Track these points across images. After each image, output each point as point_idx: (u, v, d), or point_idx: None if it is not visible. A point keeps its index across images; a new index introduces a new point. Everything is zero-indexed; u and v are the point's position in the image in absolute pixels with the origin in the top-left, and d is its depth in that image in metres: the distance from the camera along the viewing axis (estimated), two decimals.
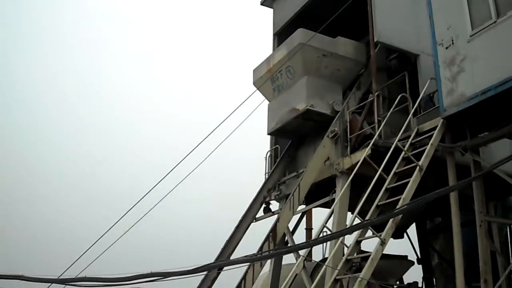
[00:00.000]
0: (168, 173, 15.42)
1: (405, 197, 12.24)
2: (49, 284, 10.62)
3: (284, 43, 17.50)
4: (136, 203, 15.23)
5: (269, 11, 20.76)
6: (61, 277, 10.15)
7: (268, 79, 17.90)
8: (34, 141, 58.34)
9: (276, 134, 18.31)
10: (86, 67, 70.98)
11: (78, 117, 62.60)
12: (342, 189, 14.12)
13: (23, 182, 51.80)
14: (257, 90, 18.34)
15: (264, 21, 21.57)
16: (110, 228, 15.07)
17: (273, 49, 19.53)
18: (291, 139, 18.10)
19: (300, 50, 16.37)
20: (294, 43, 16.66)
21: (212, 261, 14.95)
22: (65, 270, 12.76)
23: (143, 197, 15.26)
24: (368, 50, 16.51)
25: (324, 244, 16.14)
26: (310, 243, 15.99)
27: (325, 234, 13.77)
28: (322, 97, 16.32)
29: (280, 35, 19.52)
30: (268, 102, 18.35)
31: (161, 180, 15.37)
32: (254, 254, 13.67)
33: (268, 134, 18.38)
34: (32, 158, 56.52)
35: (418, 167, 12.67)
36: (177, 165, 15.43)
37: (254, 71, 18.75)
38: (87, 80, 67.67)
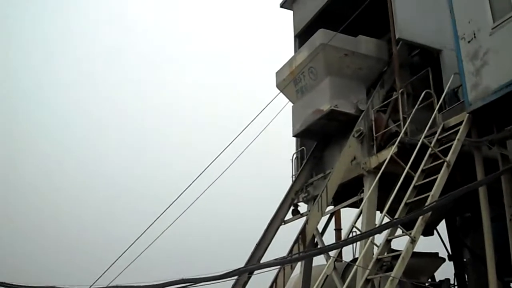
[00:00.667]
0: (196, 178, 15.52)
1: (434, 193, 12.18)
2: None
3: (305, 45, 17.51)
4: (165, 210, 15.33)
5: (289, 13, 20.76)
6: (93, 286, 10.25)
7: (291, 81, 17.94)
8: (42, 140, 58.69)
9: (301, 136, 18.34)
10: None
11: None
12: (370, 188, 14.12)
13: (47, 199, 52.17)
14: (281, 93, 18.22)
15: (285, 23, 21.59)
16: (140, 235, 15.18)
17: (295, 51, 19.58)
18: (316, 141, 18.04)
19: (321, 51, 16.42)
20: (315, 44, 16.70)
21: (243, 265, 14.96)
22: (97, 280, 12.87)
23: (172, 203, 15.36)
24: (390, 47, 16.47)
25: (354, 244, 16.09)
26: (340, 243, 15.98)
27: (354, 234, 13.71)
28: (346, 97, 16.35)
29: (301, 37, 19.57)
30: (292, 104, 18.28)
31: (189, 186, 15.48)
32: (284, 257, 13.71)
33: (294, 136, 18.42)
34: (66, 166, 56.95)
35: (445, 163, 12.60)
36: (204, 169, 15.54)
37: (277, 73, 18.82)
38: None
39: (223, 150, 15.61)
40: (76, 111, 67.21)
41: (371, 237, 12.57)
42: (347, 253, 17.73)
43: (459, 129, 12.83)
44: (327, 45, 16.29)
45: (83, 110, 65.62)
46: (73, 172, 56.79)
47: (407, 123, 14.30)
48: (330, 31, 16.51)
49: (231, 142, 15.68)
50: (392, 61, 16.07)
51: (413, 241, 11.93)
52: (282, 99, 18.33)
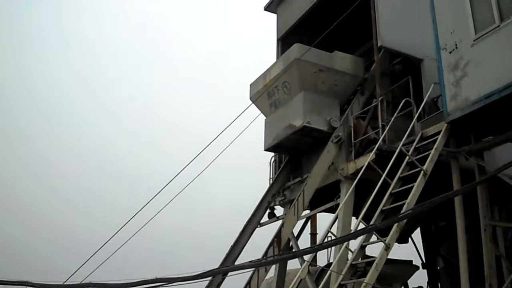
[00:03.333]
0: (172, 180, 15.49)
1: (410, 201, 12.25)
2: None
3: (280, 58, 17.48)
4: (140, 210, 15.30)
5: (273, 17, 20.77)
6: (66, 283, 10.18)
7: (264, 94, 17.79)
8: (32, 138, 58.36)
9: (273, 150, 18.24)
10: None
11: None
12: (346, 194, 14.18)
13: (24, 185, 51.88)
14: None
15: (269, 26, 21.57)
16: (115, 234, 15.13)
17: (277, 55, 19.60)
18: (289, 155, 18.17)
19: (296, 66, 16.28)
20: (290, 58, 16.55)
21: (217, 266, 14.97)
22: (70, 276, 12.80)
23: (147, 204, 15.34)
24: (369, 58, 16.55)
25: (329, 249, 16.11)
26: (314, 248, 15.98)
27: (329, 239, 13.76)
28: (319, 113, 16.20)
29: (284, 41, 19.57)
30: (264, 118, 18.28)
31: (164, 187, 15.46)
32: (258, 259, 13.71)
33: (265, 150, 18.11)
34: (33, 160, 56.64)
35: (422, 172, 12.67)
36: (180, 171, 15.51)
37: (251, 85, 18.66)
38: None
39: (196, 157, 15.62)
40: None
41: (346, 243, 12.65)
42: (322, 257, 17.76)
43: (437, 139, 12.89)
44: (301, 60, 16.15)
45: None
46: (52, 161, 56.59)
47: (386, 130, 14.39)
48: (305, 46, 16.44)
49: (202, 151, 15.70)
50: (373, 69, 16.09)
51: (388, 248, 11.97)
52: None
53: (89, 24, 78.49)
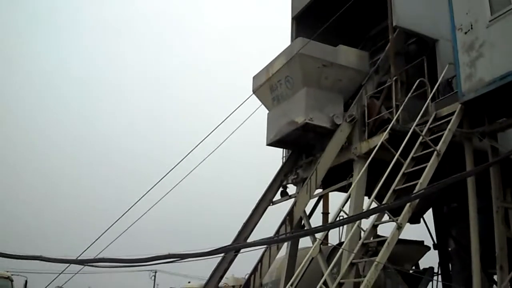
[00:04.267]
0: (184, 157, 15.57)
1: (422, 182, 12.28)
2: (68, 264, 10.78)
3: (283, 52, 17.03)
4: (150, 189, 15.40)
5: None
6: (79, 258, 10.30)
7: (267, 88, 17.59)
8: (46, 129, 59.05)
9: (276, 145, 17.94)
10: None
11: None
12: (359, 174, 14.21)
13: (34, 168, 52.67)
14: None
15: (284, 6, 21.43)
16: (127, 211, 15.23)
17: (291, 33, 19.48)
18: (292, 150, 18.07)
19: (299, 60, 16.04)
20: (292, 53, 16.24)
21: (229, 243, 15.07)
22: (83, 251, 12.96)
23: (157, 183, 15.44)
24: (384, 39, 16.51)
25: (341, 228, 16.18)
26: (326, 226, 16.04)
27: (341, 218, 13.80)
28: (322, 109, 15.99)
29: (298, 19, 19.45)
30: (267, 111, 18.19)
31: (175, 166, 15.53)
32: (271, 237, 13.79)
33: (267, 145, 17.86)
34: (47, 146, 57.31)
35: (435, 152, 12.69)
36: (193, 149, 15.58)
37: (254, 78, 18.39)
38: None
39: (199, 143, 15.68)
40: None
41: (357, 222, 12.70)
42: (334, 236, 17.85)
43: (451, 119, 12.91)
44: (304, 54, 15.88)
45: None
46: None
47: (400, 110, 14.40)
48: (309, 40, 16.11)
49: (203, 139, 15.73)
50: (388, 48, 16.04)
51: (400, 227, 12.07)
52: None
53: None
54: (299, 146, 17.50)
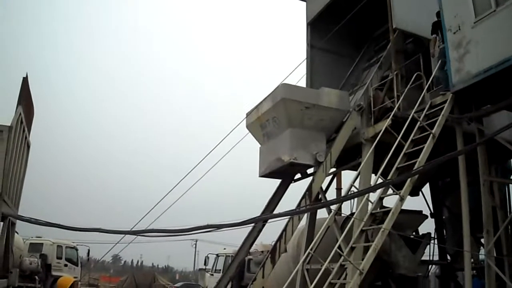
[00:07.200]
0: (216, 145, 16.02)
1: (421, 160, 12.52)
2: (123, 235, 11.28)
3: (269, 95, 16.53)
4: (190, 171, 15.88)
5: (302, 4, 20.77)
6: (133, 229, 10.79)
7: (258, 125, 17.26)
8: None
9: (267, 177, 17.31)
10: None
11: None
12: (367, 154, 14.43)
13: (100, 148, 52.92)
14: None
15: (298, 14, 21.51)
16: (172, 189, 15.68)
17: (307, 38, 19.58)
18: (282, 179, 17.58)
19: (283, 104, 15.73)
20: (277, 98, 15.92)
21: (258, 215, 15.41)
22: (136, 224, 13.46)
23: (196, 165, 15.91)
24: (386, 39, 16.60)
25: (352, 200, 16.37)
26: (340, 199, 16.36)
27: (352, 192, 14.05)
28: (306, 148, 15.68)
29: (313, 24, 19.61)
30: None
31: (211, 152, 16.01)
32: (293, 209, 14.17)
33: (260, 176, 17.35)
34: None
35: (431, 135, 12.92)
36: (219, 143, 16.07)
37: (247, 115, 18.02)
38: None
39: (211, 151, 16.58)
40: None
41: (366, 195, 12.94)
42: (346, 208, 17.99)
43: (443, 107, 13.15)
44: (288, 99, 15.65)
45: None
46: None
47: (400, 100, 14.62)
48: (292, 85, 16.24)
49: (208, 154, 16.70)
50: (390, 47, 16.23)
51: (402, 199, 12.41)
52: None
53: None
54: (288, 176, 17.24)
